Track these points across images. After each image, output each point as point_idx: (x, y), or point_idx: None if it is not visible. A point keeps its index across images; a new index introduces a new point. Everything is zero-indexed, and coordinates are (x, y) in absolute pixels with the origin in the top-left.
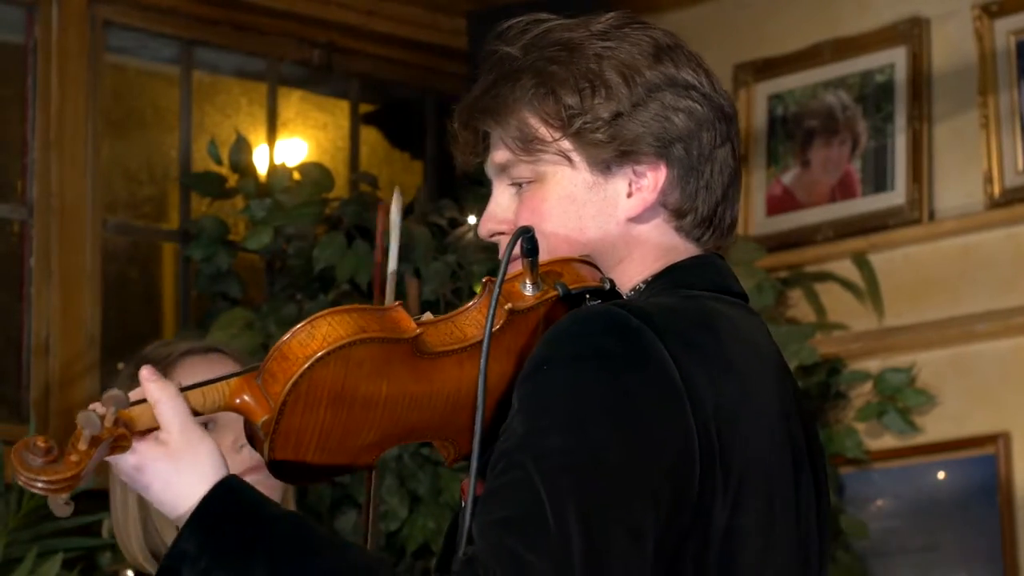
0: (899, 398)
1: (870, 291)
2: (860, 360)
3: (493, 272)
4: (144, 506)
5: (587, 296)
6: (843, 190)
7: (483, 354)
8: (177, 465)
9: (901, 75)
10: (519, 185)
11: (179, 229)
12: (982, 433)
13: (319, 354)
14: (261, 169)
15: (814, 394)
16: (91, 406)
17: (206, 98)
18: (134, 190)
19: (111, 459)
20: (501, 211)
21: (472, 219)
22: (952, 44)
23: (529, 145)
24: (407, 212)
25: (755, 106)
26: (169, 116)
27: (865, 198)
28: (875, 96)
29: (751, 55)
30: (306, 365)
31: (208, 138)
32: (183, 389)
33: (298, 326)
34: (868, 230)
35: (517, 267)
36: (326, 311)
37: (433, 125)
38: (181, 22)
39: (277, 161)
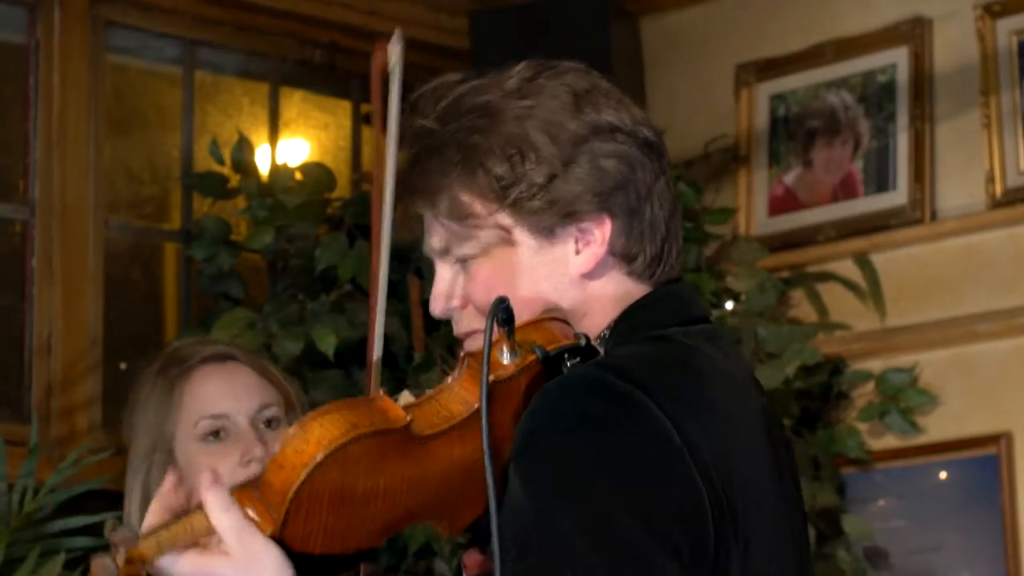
0: (901, 398)
1: (872, 291)
2: (862, 360)
3: None
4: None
5: (565, 355)
6: (845, 190)
7: (484, 427)
8: (245, 571)
9: (903, 75)
10: (464, 261)
11: (181, 229)
12: (984, 433)
13: (317, 459)
14: (263, 169)
15: (816, 394)
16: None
17: (208, 98)
18: (136, 190)
19: (168, 570)
20: (448, 287)
21: None
22: (954, 44)
23: (466, 223)
24: None
25: (757, 106)
26: (171, 116)
27: (867, 198)
28: (877, 96)
29: (753, 55)
30: (305, 473)
31: (210, 138)
32: (180, 518)
33: (289, 432)
34: (870, 230)
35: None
36: (315, 413)
37: None
38: (183, 22)
39: (279, 161)
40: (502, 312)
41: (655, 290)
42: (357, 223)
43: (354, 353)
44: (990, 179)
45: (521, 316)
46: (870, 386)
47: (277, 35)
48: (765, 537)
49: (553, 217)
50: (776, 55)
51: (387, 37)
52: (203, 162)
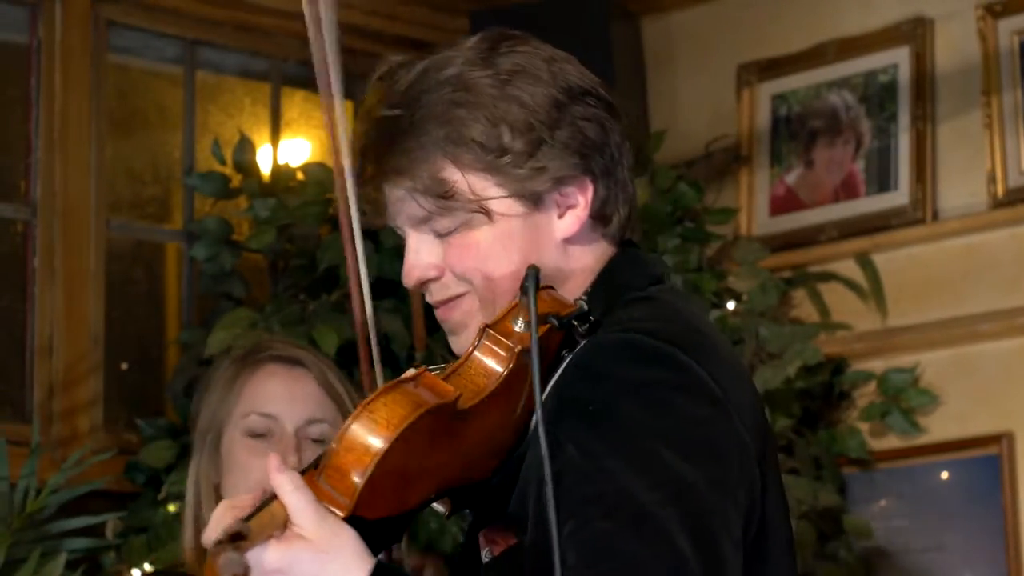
0: (903, 398)
1: (874, 291)
2: (864, 360)
3: None
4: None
5: (574, 322)
6: (847, 190)
7: (537, 404)
8: (325, 556)
9: (905, 75)
10: (444, 234)
11: (183, 229)
12: (986, 433)
13: (391, 439)
14: (265, 169)
15: (817, 394)
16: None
17: (210, 98)
18: (138, 190)
19: (254, 560)
20: (426, 258)
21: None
22: (956, 44)
23: (449, 196)
24: None
25: (759, 106)
26: (172, 116)
27: (869, 198)
28: (879, 96)
29: (755, 55)
30: (380, 456)
31: (212, 138)
32: (261, 507)
33: (355, 413)
34: (872, 230)
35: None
36: (376, 395)
37: None
38: (184, 22)
39: (281, 161)
40: (534, 281)
41: (623, 252)
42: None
43: (356, 353)
44: (992, 179)
45: (507, 289)
46: (872, 386)
47: (279, 35)
48: (776, 493)
49: (540, 183)
50: (778, 55)
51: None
52: (205, 162)
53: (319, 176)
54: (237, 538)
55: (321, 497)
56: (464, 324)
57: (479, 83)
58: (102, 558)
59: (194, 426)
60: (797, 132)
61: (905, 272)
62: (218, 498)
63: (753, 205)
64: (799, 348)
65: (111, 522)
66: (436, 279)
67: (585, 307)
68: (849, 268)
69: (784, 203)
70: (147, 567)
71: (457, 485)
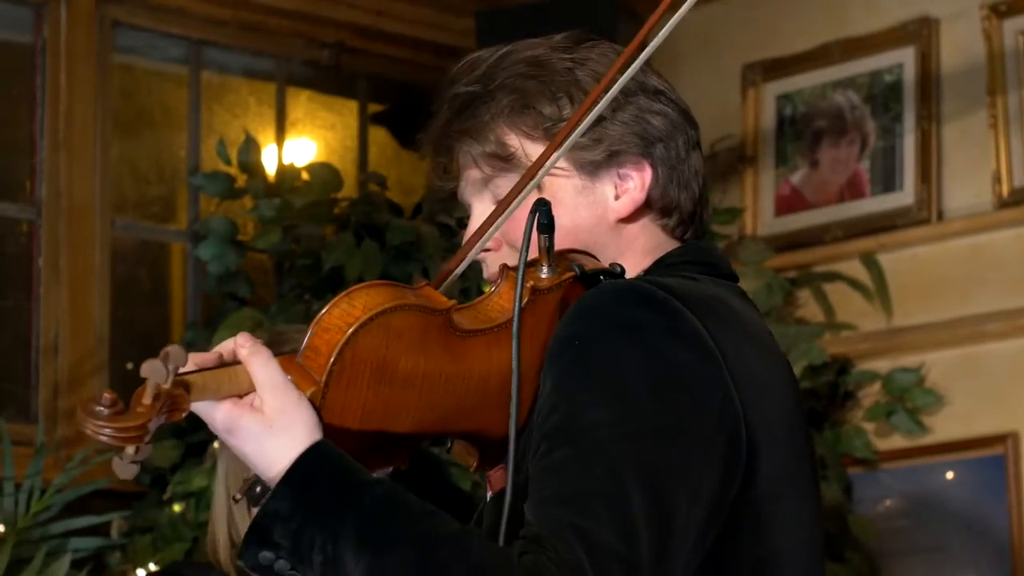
0: (908, 398)
1: (879, 291)
2: (869, 360)
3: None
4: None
5: (602, 277)
6: (852, 190)
7: (515, 315)
8: (271, 429)
9: (910, 75)
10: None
11: (188, 229)
12: (991, 433)
13: (362, 319)
14: (270, 169)
15: (823, 394)
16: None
17: (215, 98)
18: (143, 190)
19: (207, 416)
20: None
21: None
22: (961, 44)
23: (511, 159)
24: (415, 212)
25: (764, 106)
26: (178, 116)
27: (874, 198)
28: (884, 96)
29: (760, 55)
30: (350, 331)
31: (217, 138)
32: (224, 365)
33: (334, 300)
34: (877, 230)
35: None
36: (360, 284)
37: None
38: (189, 22)
39: (286, 161)
40: (543, 216)
41: (686, 244)
42: (364, 223)
43: None
44: (997, 179)
45: (561, 246)
46: (877, 386)
47: (284, 35)
48: (791, 468)
49: (597, 154)
50: (783, 55)
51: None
52: (210, 162)
53: (324, 176)
54: (168, 357)
55: (294, 373)
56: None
57: (553, 62)
58: (107, 558)
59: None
60: (802, 132)
61: (910, 272)
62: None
63: (758, 205)
64: (804, 348)
65: (116, 522)
66: (492, 251)
67: (618, 269)
68: (854, 268)
69: (789, 203)
70: (152, 567)
71: (466, 429)
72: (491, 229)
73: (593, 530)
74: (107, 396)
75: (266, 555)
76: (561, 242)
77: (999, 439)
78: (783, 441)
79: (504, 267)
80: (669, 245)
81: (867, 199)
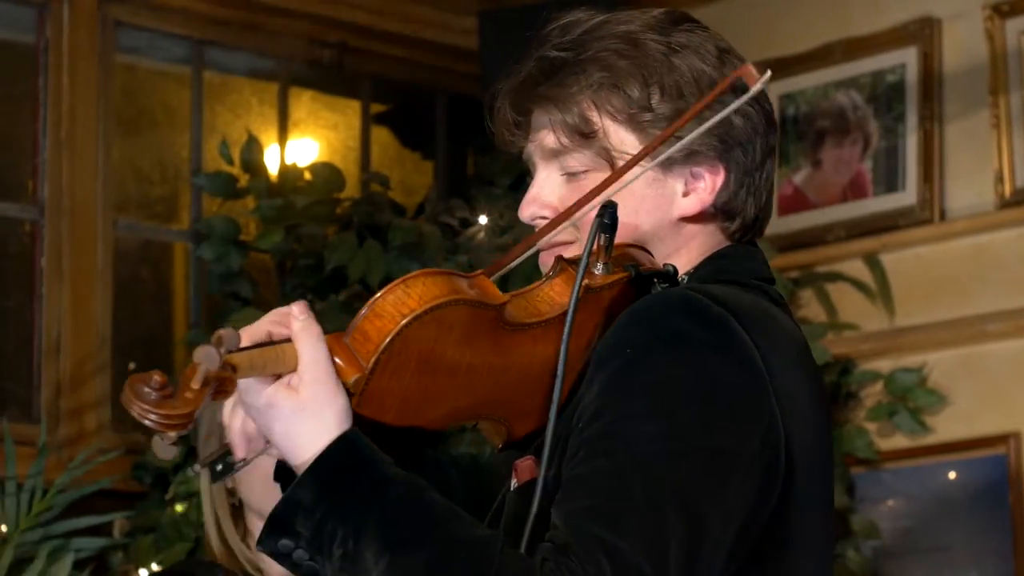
0: (910, 398)
1: (881, 291)
2: (871, 360)
3: (505, 277)
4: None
5: (655, 280)
6: (854, 190)
7: (568, 320)
8: (303, 412)
9: (912, 75)
10: (571, 174)
11: (190, 229)
12: (993, 433)
13: (417, 312)
14: (272, 169)
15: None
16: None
17: (217, 98)
18: (145, 190)
19: (244, 386)
20: (547, 196)
21: (483, 219)
22: (963, 44)
23: (591, 136)
24: (418, 212)
25: None
26: (180, 116)
27: (876, 198)
28: (886, 96)
29: (762, 55)
30: (403, 322)
31: (219, 138)
32: (273, 343)
33: (391, 285)
34: (879, 230)
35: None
36: (418, 272)
37: (444, 125)
38: (192, 22)
39: (288, 161)
40: (608, 218)
41: (738, 245)
42: (366, 223)
43: None
44: (999, 179)
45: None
46: (879, 386)
47: (286, 35)
48: (822, 489)
49: (675, 151)
50: (785, 55)
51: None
52: (212, 162)
53: (327, 176)
54: (219, 341)
55: (341, 355)
56: None
57: (648, 45)
58: (110, 558)
59: (195, 435)
60: (805, 132)
61: (913, 272)
62: (234, 502)
63: None
64: None
65: (118, 522)
66: (546, 219)
67: (672, 271)
68: (857, 268)
69: (792, 203)
70: (155, 567)
71: (510, 419)
72: (558, 227)
73: (622, 548)
74: (156, 379)
75: (285, 543)
76: (622, 230)
77: (1001, 439)
78: (817, 463)
79: (559, 259)
80: (720, 246)
81: (869, 199)
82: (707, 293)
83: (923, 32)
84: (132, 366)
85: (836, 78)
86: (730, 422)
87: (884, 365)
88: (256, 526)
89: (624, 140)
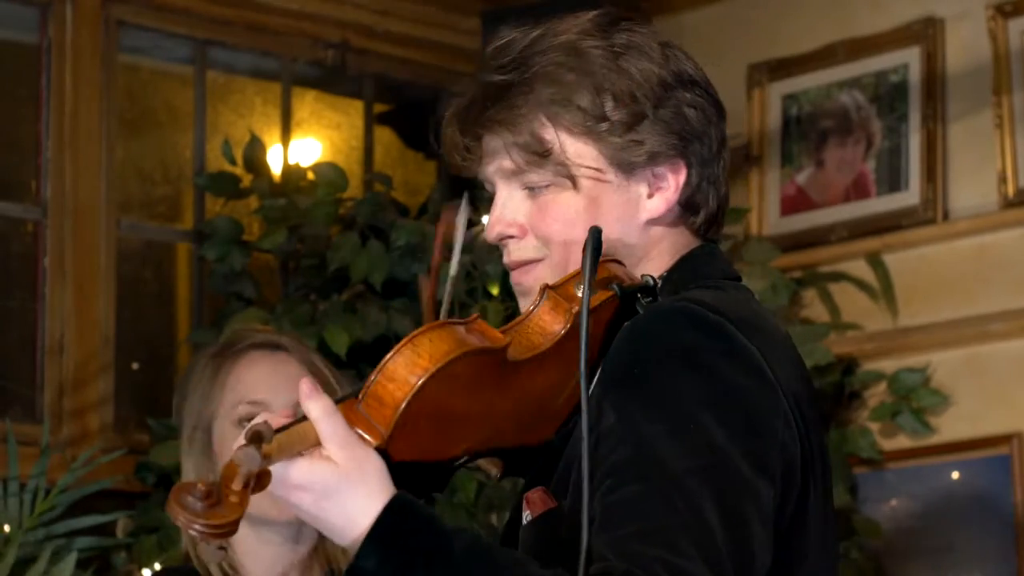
0: (913, 398)
1: (884, 291)
2: (874, 360)
3: (507, 274)
4: None
5: (638, 295)
6: (857, 190)
7: (581, 358)
8: (346, 483)
9: (915, 75)
10: (533, 189)
11: (193, 229)
12: (996, 433)
13: (431, 371)
14: (275, 169)
15: (828, 394)
16: (237, 444)
17: (220, 98)
18: (148, 190)
19: (276, 475)
20: (511, 214)
21: (486, 219)
22: (966, 44)
23: (547, 154)
24: (421, 212)
25: (769, 106)
26: (183, 116)
27: (879, 198)
28: (889, 96)
29: (765, 55)
30: (418, 384)
31: (222, 138)
32: (287, 426)
33: (398, 346)
34: (882, 230)
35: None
36: (421, 330)
37: None
38: (195, 22)
39: (291, 161)
40: (595, 242)
41: (705, 245)
42: (369, 223)
43: (366, 353)
44: (1002, 179)
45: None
46: (882, 386)
47: (289, 35)
48: (822, 484)
49: (636, 155)
50: (788, 55)
51: (452, 206)
52: (215, 162)
53: (330, 176)
54: (257, 438)
55: (358, 424)
56: (535, 289)
57: (591, 52)
58: (113, 557)
59: (179, 429)
60: (808, 132)
61: (916, 272)
62: None
63: (764, 205)
64: (810, 348)
65: (121, 521)
66: (516, 238)
67: (652, 282)
68: (860, 268)
69: (795, 203)
70: (157, 567)
71: (507, 445)
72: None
73: (684, 566)
74: (201, 488)
75: None
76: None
77: (1005, 439)
78: (819, 460)
79: (545, 287)
80: (691, 243)
81: (872, 199)
82: (699, 302)
83: (926, 32)
84: (135, 366)
85: (839, 78)
86: (750, 426)
87: (887, 365)
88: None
89: (582, 152)
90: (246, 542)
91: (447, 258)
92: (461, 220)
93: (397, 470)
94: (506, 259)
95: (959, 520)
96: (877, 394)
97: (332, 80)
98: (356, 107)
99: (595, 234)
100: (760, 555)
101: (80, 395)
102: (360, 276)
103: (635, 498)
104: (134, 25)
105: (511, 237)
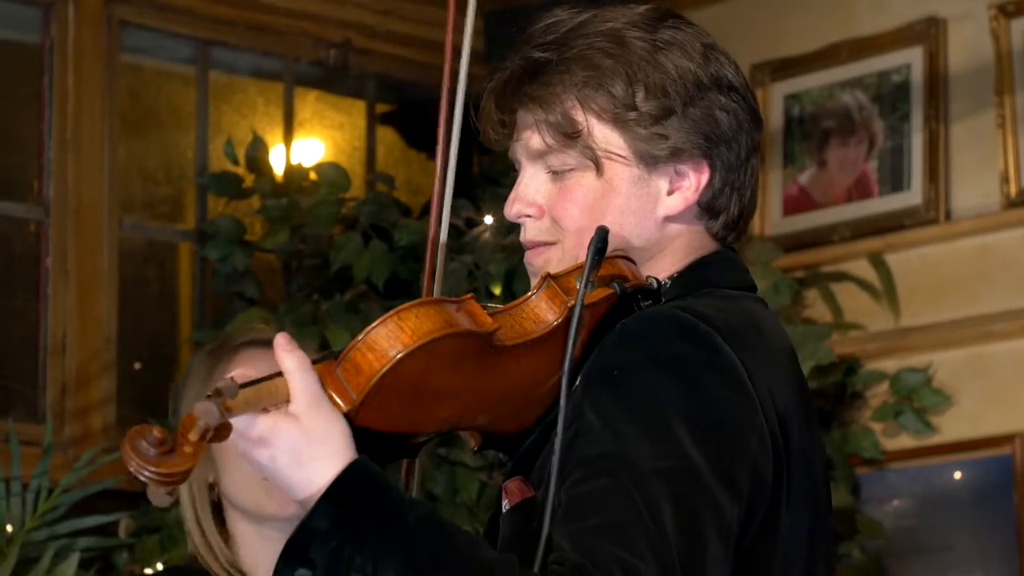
0: (915, 398)
1: (886, 291)
2: (876, 360)
3: (511, 272)
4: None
5: (639, 295)
6: (860, 190)
7: (567, 356)
8: (309, 440)
9: (917, 75)
10: (557, 172)
11: (195, 229)
12: (998, 433)
13: (411, 348)
14: (277, 169)
15: (830, 394)
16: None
17: (222, 98)
18: (150, 190)
19: (238, 425)
20: (532, 194)
21: (489, 219)
22: (968, 44)
23: (576, 136)
24: (423, 212)
25: (772, 106)
26: (185, 116)
27: (881, 198)
28: (892, 96)
29: (768, 55)
30: (396, 358)
31: (224, 138)
32: (257, 380)
33: (385, 317)
34: (884, 230)
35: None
36: (410, 304)
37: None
38: (197, 22)
39: (293, 161)
40: (599, 241)
41: (721, 251)
42: (372, 223)
43: None
44: (1005, 179)
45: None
46: (884, 386)
47: (291, 35)
48: (807, 498)
49: (660, 149)
50: (790, 55)
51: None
52: (217, 162)
53: (332, 176)
54: (218, 394)
55: (331, 385)
56: (544, 271)
57: (633, 42)
58: (115, 557)
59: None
60: (810, 132)
61: (918, 272)
62: (215, 496)
63: (766, 205)
64: (812, 348)
65: (124, 521)
66: (534, 218)
67: (655, 285)
68: (862, 268)
69: (797, 203)
70: (160, 566)
71: (486, 428)
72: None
73: (637, 565)
74: (155, 435)
75: (302, 572)
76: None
77: (1007, 439)
78: (804, 469)
79: (547, 276)
80: (709, 247)
81: (875, 199)
82: (693, 311)
83: (928, 32)
84: (137, 366)
85: (841, 78)
86: (723, 439)
87: (889, 365)
88: (237, 525)
89: (609, 139)
90: (248, 538)
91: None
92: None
93: (364, 434)
94: (522, 237)
95: (961, 520)
96: (879, 394)
97: (334, 80)
98: (358, 107)
99: (601, 234)
100: (712, 567)
101: (82, 395)
102: (362, 276)
103: (599, 493)
104: (136, 25)
105: (528, 216)
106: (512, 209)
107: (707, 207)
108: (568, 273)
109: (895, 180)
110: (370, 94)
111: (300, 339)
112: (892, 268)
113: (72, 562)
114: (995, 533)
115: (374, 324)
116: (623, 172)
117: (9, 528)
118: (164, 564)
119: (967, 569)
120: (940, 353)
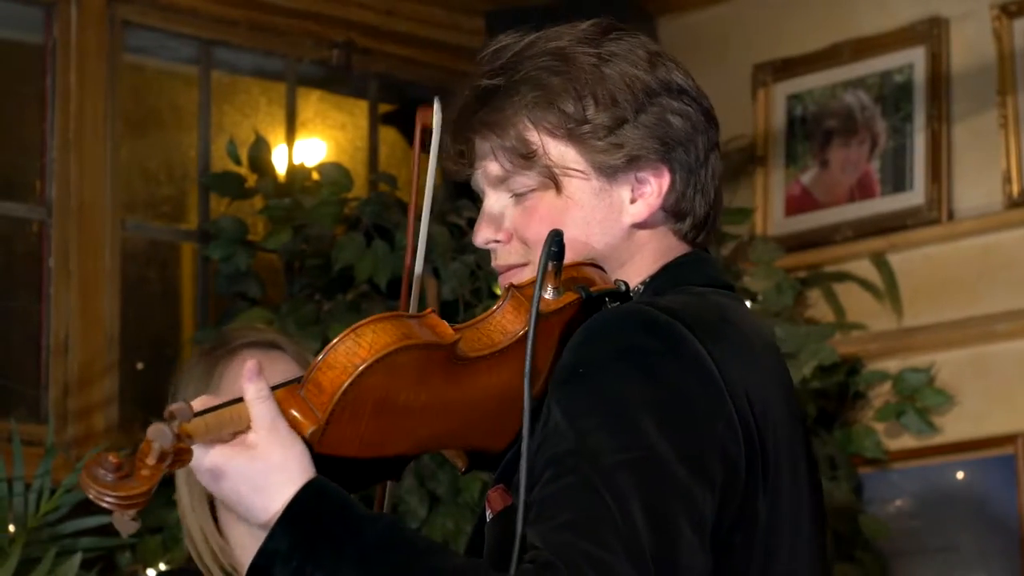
0: (918, 398)
1: (889, 291)
2: (879, 360)
3: None
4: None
5: (606, 299)
6: (862, 190)
7: (528, 354)
8: (267, 466)
9: (920, 75)
10: (518, 195)
11: (198, 229)
12: (1001, 433)
13: (368, 361)
14: (280, 169)
15: (833, 394)
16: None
17: (225, 98)
18: (153, 190)
19: (195, 460)
20: (497, 218)
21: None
22: (971, 44)
23: (532, 156)
24: None
25: (774, 106)
26: (188, 116)
27: (884, 198)
28: (894, 96)
29: (770, 55)
30: (356, 373)
31: (227, 138)
32: (218, 407)
33: (343, 334)
34: (887, 230)
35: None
36: (367, 320)
37: None
38: (200, 22)
39: (296, 161)
40: (555, 245)
41: (692, 252)
42: (374, 223)
43: None
44: (1007, 179)
45: (569, 259)
46: (887, 386)
47: (294, 35)
48: (789, 485)
49: (617, 159)
50: (793, 55)
51: (428, 103)
52: (220, 162)
53: (334, 176)
54: (171, 416)
55: (297, 407)
56: None
57: (579, 58)
58: (117, 558)
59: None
60: (812, 132)
61: (920, 272)
62: (212, 498)
63: (768, 205)
64: (814, 348)
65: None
66: (502, 243)
67: (623, 288)
68: (864, 268)
69: (799, 203)
70: (162, 567)
71: (469, 445)
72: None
73: (608, 560)
74: (111, 461)
75: None
76: (573, 245)
77: (1009, 439)
78: (783, 463)
79: (511, 286)
80: (679, 250)
81: (877, 199)
82: (656, 305)
83: (931, 32)
84: (140, 366)
85: (844, 78)
86: (689, 427)
87: (892, 365)
88: (229, 524)
89: (564, 155)
90: (243, 540)
91: (425, 150)
92: (436, 120)
93: (340, 457)
94: (493, 263)
95: (963, 520)
96: (882, 394)
97: (337, 80)
98: (361, 107)
99: (553, 236)
100: (687, 556)
101: (85, 395)
102: (365, 276)
103: (568, 490)
104: (139, 25)
105: (497, 242)
106: (479, 237)
107: (672, 211)
108: (532, 282)
109: (897, 180)
110: (373, 94)
111: (303, 339)
112: (895, 268)
113: (74, 562)
114: (997, 533)
115: (332, 342)
116: (583, 186)
117: (11, 528)
118: (166, 564)
119: (969, 569)
120: (943, 353)
